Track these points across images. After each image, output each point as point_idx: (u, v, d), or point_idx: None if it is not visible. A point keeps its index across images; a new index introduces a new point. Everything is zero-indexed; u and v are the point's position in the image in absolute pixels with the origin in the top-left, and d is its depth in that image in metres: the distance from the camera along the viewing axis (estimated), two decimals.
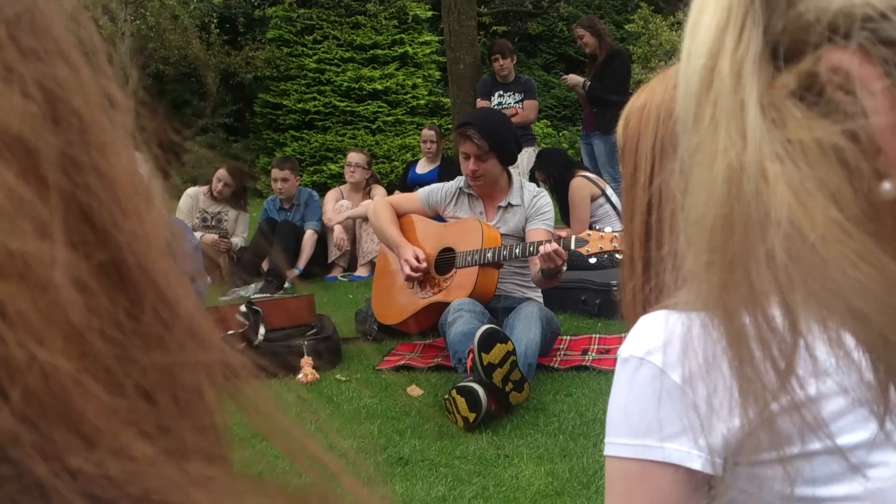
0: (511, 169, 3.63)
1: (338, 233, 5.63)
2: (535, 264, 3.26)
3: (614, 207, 4.79)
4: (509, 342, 2.90)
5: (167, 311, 0.23)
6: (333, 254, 5.70)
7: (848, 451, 0.73)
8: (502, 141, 3.42)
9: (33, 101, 0.21)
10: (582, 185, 4.87)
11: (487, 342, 2.84)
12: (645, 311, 0.84)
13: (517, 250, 3.26)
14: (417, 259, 3.50)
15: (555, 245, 3.05)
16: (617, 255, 3.02)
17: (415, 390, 3.23)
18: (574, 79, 5.93)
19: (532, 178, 5.15)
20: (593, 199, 4.86)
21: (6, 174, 0.20)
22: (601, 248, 3.03)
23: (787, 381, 0.34)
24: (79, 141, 0.22)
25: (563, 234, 3.29)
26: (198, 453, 0.24)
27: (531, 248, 3.20)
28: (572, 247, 3.07)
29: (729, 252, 0.32)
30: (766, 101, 0.31)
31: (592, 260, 3.11)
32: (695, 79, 0.33)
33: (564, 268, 3.22)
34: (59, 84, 0.22)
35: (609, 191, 4.93)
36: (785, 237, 0.30)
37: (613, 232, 3.04)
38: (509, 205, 3.51)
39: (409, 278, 3.55)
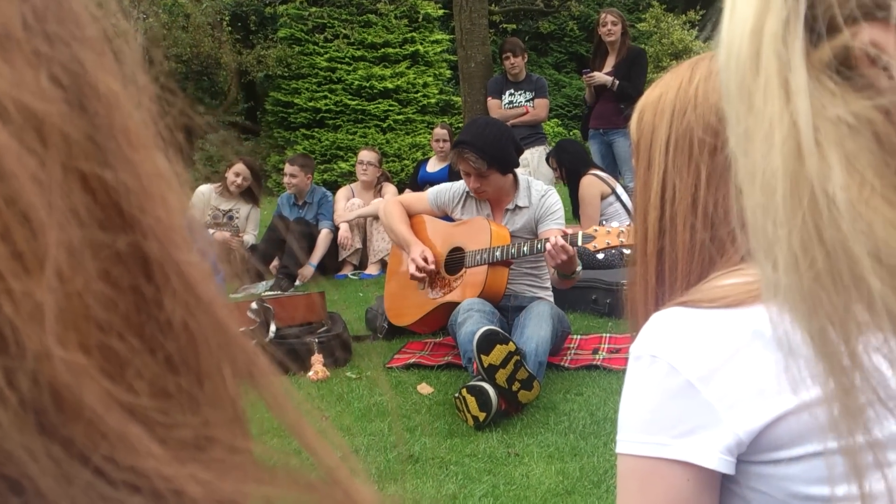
0: (517, 170, 3.61)
1: (343, 231, 5.64)
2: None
3: (624, 205, 4.80)
4: (510, 343, 2.89)
5: (190, 295, 0.23)
6: (343, 252, 5.72)
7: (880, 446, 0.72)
8: (500, 155, 3.37)
9: (60, 86, 0.21)
10: (592, 182, 4.88)
11: (486, 344, 2.84)
12: (657, 307, 0.83)
13: (525, 248, 3.26)
14: (425, 259, 3.50)
15: (554, 240, 3.04)
16: (624, 251, 3.01)
17: (425, 388, 3.24)
18: (602, 77, 5.81)
19: (547, 161, 5.19)
20: (603, 197, 4.87)
21: (30, 160, 0.20)
22: (608, 243, 3.03)
23: (862, 357, 0.34)
24: (105, 125, 0.22)
25: (570, 230, 3.28)
26: (220, 442, 0.24)
27: (539, 246, 3.20)
28: (579, 242, 3.07)
29: (798, 220, 0.32)
30: (809, 69, 0.32)
31: (600, 255, 3.10)
32: (744, 42, 0.33)
33: (579, 269, 3.21)
34: (85, 69, 0.22)
35: (619, 189, 4.93)
36: (842, 199, 0.30)
37: (620, 227, 3.04)
38: (517, 207, 3.50)
39: (413, 277, 3.55)
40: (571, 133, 13.75)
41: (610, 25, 5.81)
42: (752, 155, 0.33)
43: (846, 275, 0.32)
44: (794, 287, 0.33)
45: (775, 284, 0.34)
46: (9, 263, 0.19)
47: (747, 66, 0.33)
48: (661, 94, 0.90)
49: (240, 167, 5.62)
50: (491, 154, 3.33)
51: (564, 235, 3.12)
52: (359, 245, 5.75)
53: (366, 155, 6.00)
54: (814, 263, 0.32)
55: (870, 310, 0.32)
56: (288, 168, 5.74)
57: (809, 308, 0.33)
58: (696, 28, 15.26)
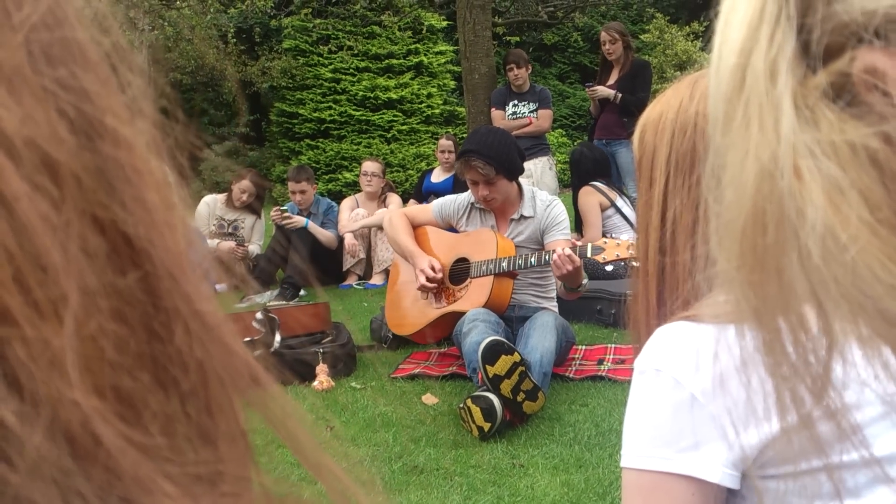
0: (521, 179, 3.62)
1: (349, 240, 5.65)
2: None
3: (625, 217, 4.81)
4: (516, 353, 2.89)
5: (198, 324, 0.23)
6: (348, 262, 5.72)
7: (881, 462, 0.72)
8: (507, 161, 3.39)
9: (69, 121, 0.21)
10: (589, 192, 4.91)
11: (491, 354, 2.84)
12: (658, 325, 0.84)
13: (532, 259, 3.26)
14: (433, 269, 3.51)
15: (560, 250, 3.05)
16: (633, 263, 3.01)
17: (430, 399, 3.24)
18: (604, 91, 5.83)
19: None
20: (603, 209, 4.88)
21: (42, 202, 0.20)
22: (618, 255, 3.03)
23: (823, 385, 0.34)
24: (112, 157, 0.22)
25: (579, 242, 3.28)
26: (231, 475, 0.24)
27: (546, 257, 3.20)
28: (588, 254, 3.07)
29: (760, 252, 0.32)
30: (799, 100, 0.31)
31: (609, 267, 3.10)
32: (726, 78, 0.33)
33: (586, 282, 3.21)
34: (91, 101, 0.22)
35: (619, 201, 4.93)
36: (818, 236, 0.30)
37: (630, 240, 3.04)
38: (522, 217, 3.51)
39: (423, 288, 3.55)
40: (575, 143, 13.76)
41: (608, 45, 5.84)
42: (723, 190, 0.33)
43: (808, 313, 0.31)
44: (747, 317, 0.33)
45: (733, 315, 0.34)
46: (23, 310, 0.19)
47: (728, 104, 0.33)
48: (661, 113, 0.91)
49: (245, 184, 5.63)
50: (497, 160, 3.35)
51: (573, 247, 3.12)
52: (363, 255, 5.75)
53: (370, 165, 6.01)
54: (769, 303, 0.32)
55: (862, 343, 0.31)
56: (295, 185, 5.68)
57: (766, 345, 0.33)
58: (700, 39, 15.28)
